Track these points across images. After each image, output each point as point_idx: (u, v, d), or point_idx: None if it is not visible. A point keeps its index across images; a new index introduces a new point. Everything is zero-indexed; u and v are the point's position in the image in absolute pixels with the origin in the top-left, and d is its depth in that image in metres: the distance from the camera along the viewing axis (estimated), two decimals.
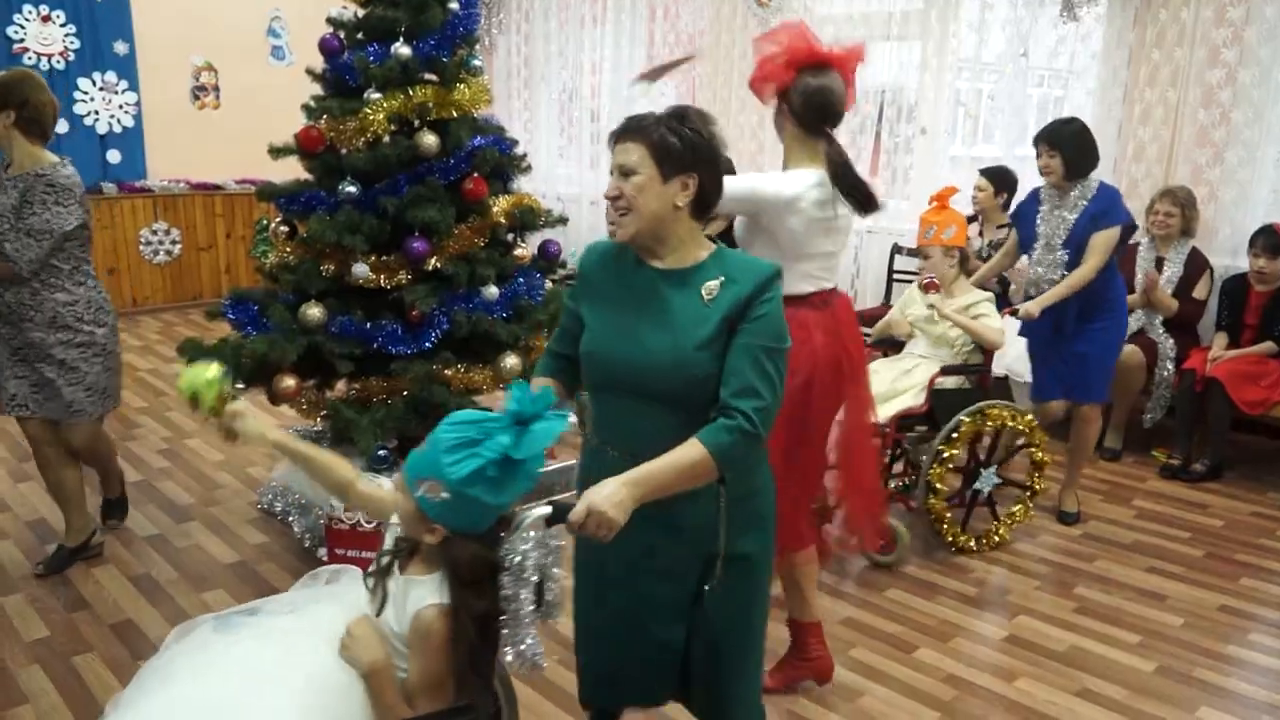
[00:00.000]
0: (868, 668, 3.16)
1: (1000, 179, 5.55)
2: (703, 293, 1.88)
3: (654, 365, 1.87)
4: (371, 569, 1.82)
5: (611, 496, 1.70)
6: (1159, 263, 5.05)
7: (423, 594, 1.71)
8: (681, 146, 1.84)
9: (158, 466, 4.71)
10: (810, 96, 2.69)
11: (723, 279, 1.88)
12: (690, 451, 1.79)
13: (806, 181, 2.71)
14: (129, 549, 3.83)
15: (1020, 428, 3.95)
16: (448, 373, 3.57)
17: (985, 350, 3.98)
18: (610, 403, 1.98)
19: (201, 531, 4.01)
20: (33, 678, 3.00)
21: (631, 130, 1.87)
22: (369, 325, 3.55)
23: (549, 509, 1.72)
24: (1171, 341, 5.04)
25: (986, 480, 3.98)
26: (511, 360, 3.67)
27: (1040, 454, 4.01)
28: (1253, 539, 4.19)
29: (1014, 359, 5.09)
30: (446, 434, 1.66)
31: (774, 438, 2.06)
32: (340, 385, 3.80)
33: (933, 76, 6.43)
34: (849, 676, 3.11)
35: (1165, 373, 5.00)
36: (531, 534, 1.69)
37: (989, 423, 3.87)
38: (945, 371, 3.92)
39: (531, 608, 1.72)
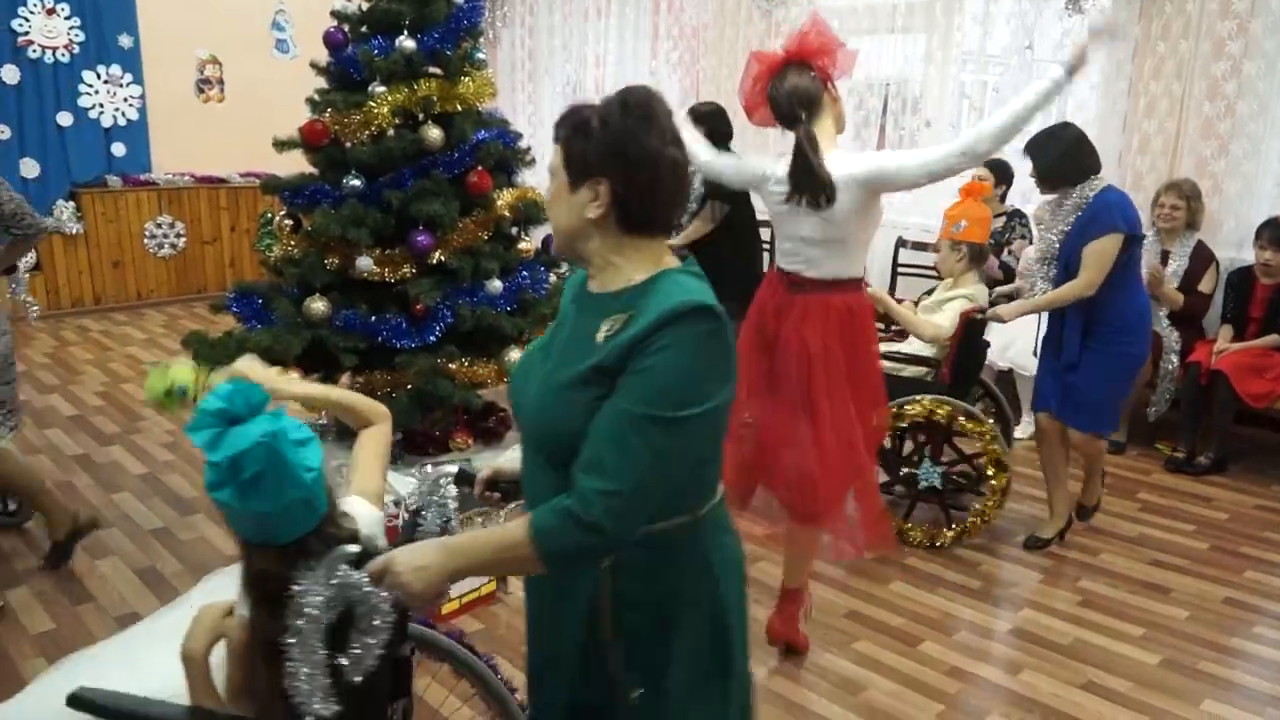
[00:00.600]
0: (872, 660, 3.17)
1: (1000, 170, 5.56)
2: (602, 328, 1.49)
3: (527, 410, 1.58)
4: None
5: (415, 559, 1.44)
6: (1164, 256, 5.04)
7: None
8: (588, 145, 1.50)
9: (162, 460, 4.72)
10: (772, 104, 2.89)
11: (631, 313, 1.47)
12: (512, 530, 1.44)
13: (778, 164, 2.89)
14: (134, 542, 3.84)
15: (943, 419, 3.84)
16: (452, 366, 3.58)
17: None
18: (522, 444, 1.68)
19: (205, 524, 4.02)
20: (38, 670, 3.01)
21: (558, 125, 1.57)
22: (373, 319, 3.56)
23: (356, 549, 1.49)
24: (1176, 334, 5.02)
25: (927, 474, 3.94)
26: (515, 354, 3.68)
27: (970, 424, 3.82)
28: (1257, 532, 4.18)
29: (1018, 353, 5.08)
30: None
31: None
32: (345, 379, 3.79)
33: (937, 69, 6.41)
34: (852, 670, 3.11)
35: (1170, 365, 4.99)
36: (323, 571, 1.46)
37: (915, 414, 3.83)
38: (885, 357, 3.91)
39: (316, 649, 1.45)
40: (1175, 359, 4.99)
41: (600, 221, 1.50)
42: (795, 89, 2.83)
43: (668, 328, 1.40)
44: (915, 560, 3.87)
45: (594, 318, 1.51)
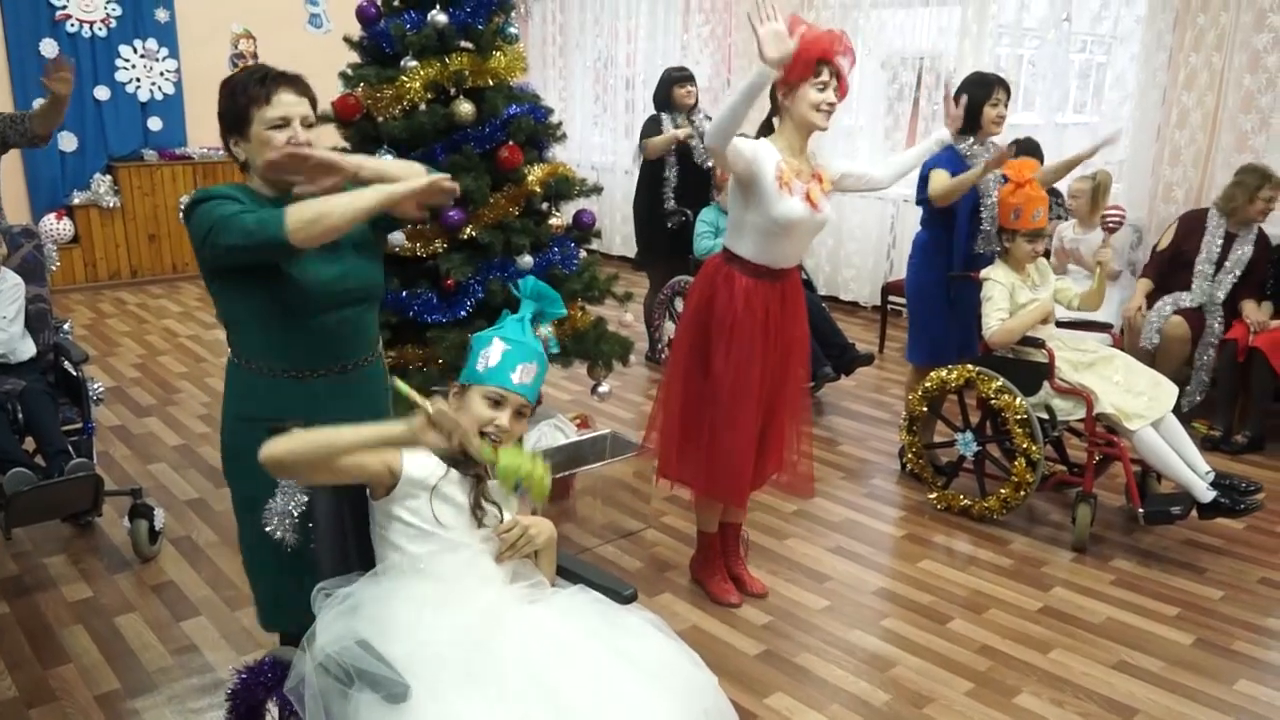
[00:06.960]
0: (900, 638, 3.16)
1: (1036, 153, 5.50)
2: None
3: None
4: None
5: None
6: (1229, 240, 4.88)
7: None
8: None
9: (198, 431, 4.78)
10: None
11: None
12: None
13: None
14: (170, 512, 3.89)
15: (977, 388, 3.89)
16: None
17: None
18: None
19: None
20: (76, 637, 3.07)
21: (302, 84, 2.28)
22: (405, 294, 3.57)
23: None
24: (1221, 316, 4.89)
25: (965, 445, 4.00)
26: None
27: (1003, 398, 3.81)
28: None
29: None
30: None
31: None
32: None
33: (972, 43, 6.33)
34: (881, 647, 3.12)
35: (1212, 338, 4.88)
36: None
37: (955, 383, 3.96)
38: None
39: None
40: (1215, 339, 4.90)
41: None
42: None
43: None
44: (944, 538, 3.86)
45: None
